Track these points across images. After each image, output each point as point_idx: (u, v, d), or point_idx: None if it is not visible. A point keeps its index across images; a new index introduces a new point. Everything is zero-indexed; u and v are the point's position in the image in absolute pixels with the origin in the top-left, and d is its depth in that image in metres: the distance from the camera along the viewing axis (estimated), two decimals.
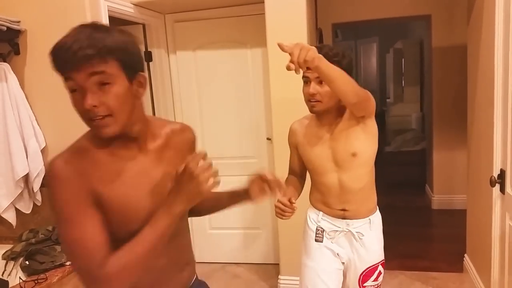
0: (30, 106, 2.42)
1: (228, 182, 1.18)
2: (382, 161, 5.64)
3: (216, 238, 3.42)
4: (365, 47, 8.62)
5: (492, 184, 2.09)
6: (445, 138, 4.36)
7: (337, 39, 6.72)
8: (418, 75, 6.36)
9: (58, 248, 2.21)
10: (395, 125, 6.70)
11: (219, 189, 1.07)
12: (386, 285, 2.88)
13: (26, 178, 2.41)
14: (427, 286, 2.85)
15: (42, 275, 2.04)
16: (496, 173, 2.09)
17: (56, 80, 0.97)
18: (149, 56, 3.19)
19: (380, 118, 7.76)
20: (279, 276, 2.86)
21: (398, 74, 7.18)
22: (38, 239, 2.27)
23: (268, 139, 3.10)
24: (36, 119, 2.43)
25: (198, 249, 3.46)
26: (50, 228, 2.34)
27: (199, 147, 1.20)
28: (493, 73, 2.07)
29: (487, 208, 2.29)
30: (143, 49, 3.17)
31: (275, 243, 3.20)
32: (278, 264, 2.96)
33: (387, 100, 7.97)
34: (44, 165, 2.41)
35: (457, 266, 3.05)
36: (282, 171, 2.80)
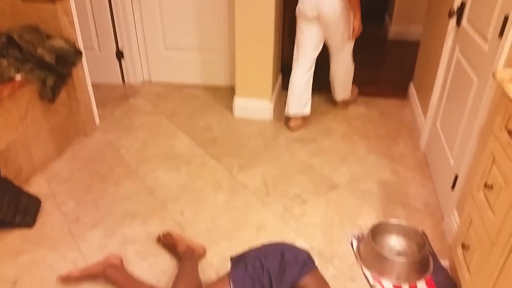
0: None
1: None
2: None
3: (171, 58, 3.36)
4: None
5: (450, 15, 2.10)
6: None
7: None
8: None
9: (4, 62, 2.09)
10: None
11: None
12: (333, 107, 3.08)
13: None
14: (370, 110, 3.06)
15: None
16: (456, 5, 2.08)
17: None
18: None
19: None
20: (234, 97, 2.95)
21: None
22: None
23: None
24: None
25: (152, 69, 3.44)
26: None
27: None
28: None
29: (440, 39, 2.35)
30: None
31: (232, 65, 3.21)
32: (233, 87, 3.02)
33: None
34: None
35: (401, 93, 3.27)
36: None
